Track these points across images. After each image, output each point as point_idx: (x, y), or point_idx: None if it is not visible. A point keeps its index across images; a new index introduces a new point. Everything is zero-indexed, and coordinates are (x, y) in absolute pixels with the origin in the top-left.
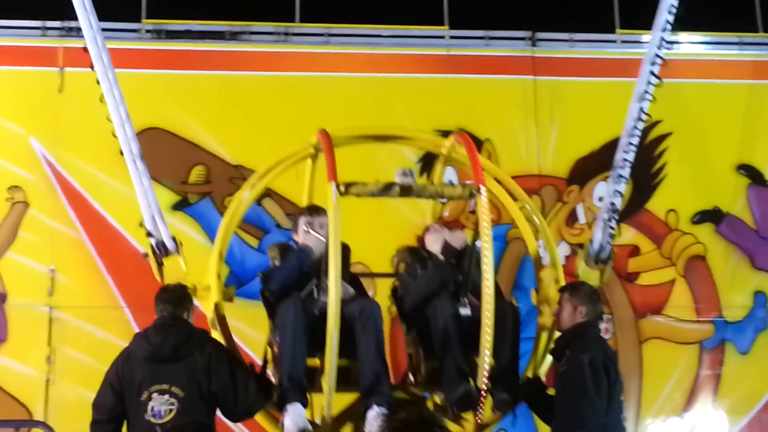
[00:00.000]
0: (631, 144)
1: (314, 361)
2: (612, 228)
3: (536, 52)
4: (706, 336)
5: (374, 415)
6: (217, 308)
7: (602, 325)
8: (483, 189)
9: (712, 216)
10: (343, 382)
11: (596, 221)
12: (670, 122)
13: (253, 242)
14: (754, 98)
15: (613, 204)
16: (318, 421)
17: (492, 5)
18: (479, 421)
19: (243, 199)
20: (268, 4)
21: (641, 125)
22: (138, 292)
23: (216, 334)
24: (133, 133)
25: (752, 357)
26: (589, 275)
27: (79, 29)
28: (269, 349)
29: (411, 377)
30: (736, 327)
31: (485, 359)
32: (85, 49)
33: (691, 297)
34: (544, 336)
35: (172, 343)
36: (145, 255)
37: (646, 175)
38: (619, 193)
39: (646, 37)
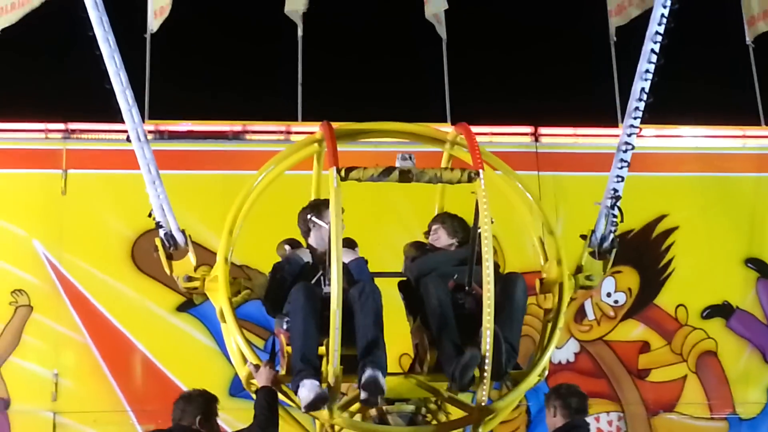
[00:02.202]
0: (632, 126)
1: (320, 349)
2: (615, 216)
3: (539, 148)
4: None
5: (368, 379)
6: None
7: (614, 424)
8: (482, 173)
9: (721, 311)
10: (349, 370)
11: (600, 211)
12: (676, 216)
13: (260, 343)
14: (760, 191)
15: (615, 190)
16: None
17: (494, 101)
18: (484, 395)
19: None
20: (270, 104)
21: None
22: (143, 396)
23: (225, 328)
24: (140, 119)
25: None
26: (593, 267)
27: (82, 131)
28: (277, 340)
29: (418, 367)
30: (751, 424)
31: (486, 346)
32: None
33: (704, 393)
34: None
35: None
36: (156, 249)
37: (653, 270)
38: (621, 178)
39: (648, 131)
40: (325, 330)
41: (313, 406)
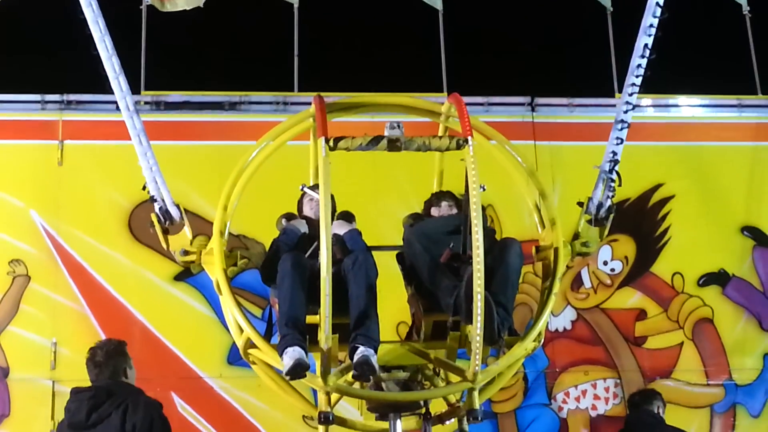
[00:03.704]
0: (634, 85)
1: (314, 318)
2: (613, 181)
3: (536, 118)
4: (717, 399)
5: (360, 360)
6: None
7: (611, 390)
8: (470, 140)
9: (718, 278)
10: (345, 337)
11: (598, 175)
12: (673, 185)
13: (258, 312)
14: (757, 160)
15: (614, 153)
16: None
17: (490, 71)
18: (478, 360)
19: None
20: (266, 74)
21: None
22: (142, 364)
23: (222, 299)
24: (128, 88)
25: (764, 420)
26: (589, 234)
27: (78, 102)
28: (273, 310)
29: (415, 335)
30: (747, 390)
31: (477, 310)
32: None
33: (700, 360)
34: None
35: (85, 410)
36: (152, 225)
37: (650, 238)
38: (621, 140)
39: (645, 100)
40: (317, 299)
41: (293, 372)
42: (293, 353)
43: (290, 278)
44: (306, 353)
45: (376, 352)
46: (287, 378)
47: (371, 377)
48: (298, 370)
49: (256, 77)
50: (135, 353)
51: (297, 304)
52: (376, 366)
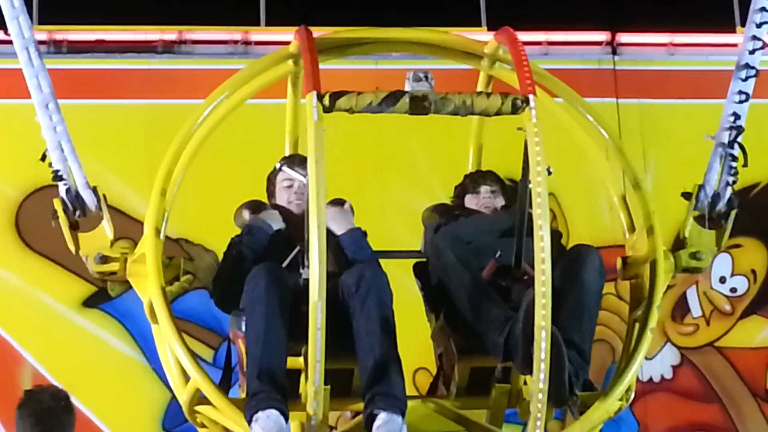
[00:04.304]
0: (765, 10)
1: (297, 361)
2: (735, 159)
3: (618, 63)
4: None
5: (382, 425)
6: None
7: None
8: (532, 99)
9: None
10: (343, 390)
11: (713, 150)
12: None
13: (208, 354)
14: None
15: (735, 116)
16: None
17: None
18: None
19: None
20: (220, 1)
21: None
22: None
23: (158, 331)
24: (22, 3)
25: None
26: (701, 239)
27: None
28: (234, 348)
29: (442, 387)
30: None
31: (540, 354)
32: None
33: None
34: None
35: None
36: (54, 214)
37: None
38: (746, 96)
39: None
40: (302, 333)
41: None
42: (269, 421)
43: (265, 305)
44: (286, 419)
45: (404, 417)
46: None
47: None
48: None
49: (203, 4)
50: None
51: (275, 345)
52: None
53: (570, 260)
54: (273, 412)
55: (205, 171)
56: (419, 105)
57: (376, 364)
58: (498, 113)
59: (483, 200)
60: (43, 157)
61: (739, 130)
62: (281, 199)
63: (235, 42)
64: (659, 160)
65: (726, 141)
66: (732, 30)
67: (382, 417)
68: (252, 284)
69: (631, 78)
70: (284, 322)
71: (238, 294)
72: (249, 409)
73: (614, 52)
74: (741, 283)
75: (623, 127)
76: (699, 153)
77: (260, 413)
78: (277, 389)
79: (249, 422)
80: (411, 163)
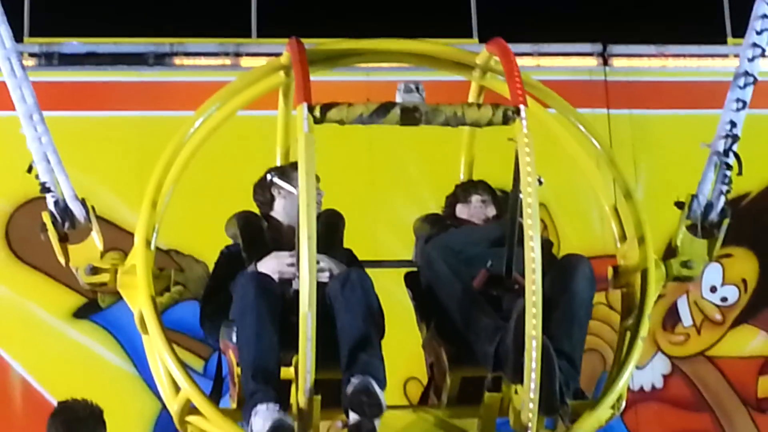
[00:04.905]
0: (766, 17)
1: (287, 371)
2: (729, 167)
3: (609, 74)
4: None
5: (356, 389)
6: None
7: None
8: (523, 110)
9: None
10: (333, 399)
11: (708, 159)
12: None
13: (198, 364)
14: None
15: (732, 124)
16: None
17: (542, 6)
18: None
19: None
20: (210, 14)
21: None
22: None
23: (148, 341)
24: (2, 12)
25: None
26: (692, 248)
27: None
28: (224, 358)
29: (434, 397)
30: None
31: (531, 364)
32: None
33: None
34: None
35: None
36: (43, 227)
37: None
38: (743, 104)
39: None
40: (292, 343)
41: None
42: (268, 413)
43: (255, 312)
44: (286, 413)
45: (383, 389)
46: None
47: (375, 423)
48: None
49: (194, 17)
50: (14, 425)
51: (267, 349)
52: (383, 401)
53: (560, 269)
54: (271, 405)
55: (197, 182)
56: (410, 116)
57: (353, 347)
58: (489, 124)
59: (474, 210)
60: (30, 169)
61: (735, 138)
62: (275, 208)
63: (227, 54)
64: (650, 170)
65: (722, 149)
66: (723, 41)
67: (355, 381)
68: (241, 293)
69: (622, 89)
70: (275, 329)
71: (229, 305)
72: (247, 409)
73: (605, 63)
74: (732, 293)
75: (614, 137)
76: (690, 163)
77: (259, 406)
78: (273, 388)
79: (248, 420)
80: (402, 175)
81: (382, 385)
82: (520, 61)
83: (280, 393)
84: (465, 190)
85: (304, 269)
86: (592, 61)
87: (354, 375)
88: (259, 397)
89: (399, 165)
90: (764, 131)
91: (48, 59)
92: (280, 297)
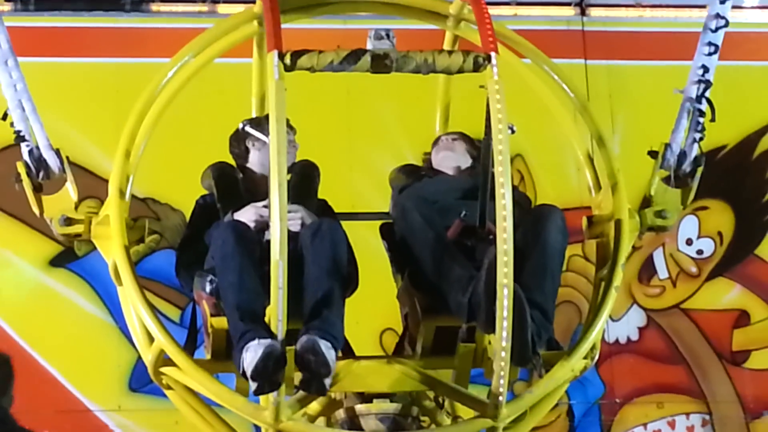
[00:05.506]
0: None
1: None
2: (702, 114)
3: (587, 25)
4: None
5: (303, 348)
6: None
7: (697, 430)
8: (494, 56)
9: None
10: None
11: (681, 106)
12: None
13: (175, 314)
14: None
15: (704, 69)
16: None
17: None
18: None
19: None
20: None
21: None
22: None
23: (123, 292)
24: None
25: None
26: (666, 198)
27: None
28: (199, 309)
29: (408, 347)
30: None
31: (503, 312)
32: None
33: None
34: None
35: None
36: (17, 177)
37: (756, 205)
38: (715, 47)
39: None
40: (266, 292)
41: (263, 368)
42: (258, 345)
43: (237, 258)
44: (282, 348)
45: (336, 351)
46: (254, 390)
47: (325, 383)
48: (269, 364)
49: None
50: None
51: (252, 291)
52: (329, 360)
53: (533, 220)
54: (264, 340)
55: (173, 130)
56: (380, 63)
57: (315, 303)
58: (460, 71)
59: (443, 145)
60: (5, 116)
61: (708, 84)
62: (249, 162)
63: (204, 0)
64: (628, 121)
65: (694, 95)
66: None
67: (302, 339)
68: (220, 241)
69: (599, 39)
70: (257, 273)
71: (204, 255)
72: (237, 349)
73: (583, 13)
74: (707, 245)
75: (592, 88)
76: (667, 114)
77: (250, 343)
78: (263, 327)
79: (239, 362)
80: (379, 124)
81: (337, 343)
82: (497, 11)
83: (269, 332)
84: (439, 137)
85: (275, 216)
86: (570, 11)
87: (308, 332)
88: (250, 335)
89: (376, 115)
90: (741, 83)
91: (24, 4)
92: (258, 244)
